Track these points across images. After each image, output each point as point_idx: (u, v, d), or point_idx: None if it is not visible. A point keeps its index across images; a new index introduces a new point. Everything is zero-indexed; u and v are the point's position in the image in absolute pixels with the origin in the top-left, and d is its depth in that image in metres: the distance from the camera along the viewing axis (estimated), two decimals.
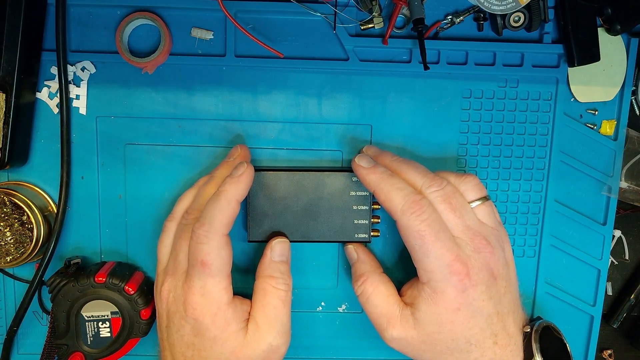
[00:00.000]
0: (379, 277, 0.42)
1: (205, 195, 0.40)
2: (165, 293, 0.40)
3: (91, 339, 0.43)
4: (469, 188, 0.40)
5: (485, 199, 0.40)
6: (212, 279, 0.38)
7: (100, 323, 0.43)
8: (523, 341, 0.40)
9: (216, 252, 0.37)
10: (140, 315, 0.43)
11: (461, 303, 0.37)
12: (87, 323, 0.43)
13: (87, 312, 0.43)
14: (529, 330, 0.40)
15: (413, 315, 0.39)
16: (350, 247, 0.44)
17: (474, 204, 0.40)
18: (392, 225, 0.46)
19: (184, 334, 0.39)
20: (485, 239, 0.38)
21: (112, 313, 0.43)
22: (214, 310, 0.38)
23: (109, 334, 0.43)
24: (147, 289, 0.44)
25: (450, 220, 0.38)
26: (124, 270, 0.44)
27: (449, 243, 0.37)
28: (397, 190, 0.38)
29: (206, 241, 0.37)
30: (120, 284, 0.42)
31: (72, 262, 0.44)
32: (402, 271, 0.46)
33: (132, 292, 0.43)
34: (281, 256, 0.42)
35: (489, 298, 0.38)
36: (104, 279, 0.42)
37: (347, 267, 0.46)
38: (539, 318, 0.42)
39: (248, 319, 0.40)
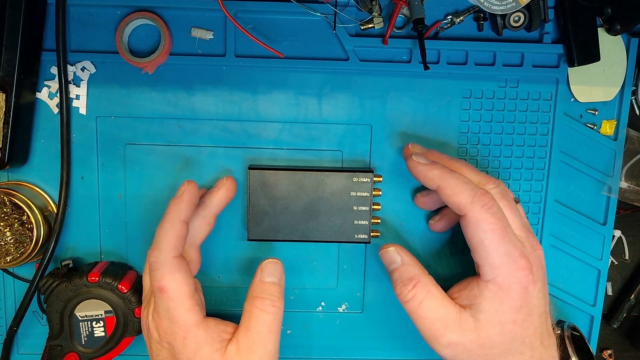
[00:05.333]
0: (430, 280, 0.39)
1: None
2: (144, 320, 0.40)
3: (85, 339, 0.43)
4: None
5: (516, 201, 0.40)
6: (172, 303, 0.37)
7: (94, 322, 0.43)
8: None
9: (169, 276, 0.37)
10: (134, 313, 0.43)
11: (523, 300, 0.36)
12: (80, 323, 0.43)
13: (80, 312, 0.43)
14: (559, 332, 0.40)
15: (473, 317, 0.37)
16: (392, 250, 0.40)
17: None
18: (392, 226, 0.46)
19: (163, 358, 0.39)
20: (535, 236, 0.39)
21: (105, 312, 0.43)
22: (182, 333, 0.37)
23: (103, 334, 0.43)
24: (141, 287, 0.44)
25: (509, 217, 0.38)
26: (116, 269, 0.44)
27: (514, 238, 0.37)
28: (464, 184, 0.37)
29: (157, 267, 0.37)
30: (114, 282, 0.42)
31: (62, 264, 0.44)
32: None
33: (126, 291, 0.42)
34: (271, 277, 0.40)
35: (543, 296, 0.38)
36: (97, 279, 0.42)
37: (348, 267, 0.46)
38: (560, 321, 0.42)
39: (229, 340, 0.38)
